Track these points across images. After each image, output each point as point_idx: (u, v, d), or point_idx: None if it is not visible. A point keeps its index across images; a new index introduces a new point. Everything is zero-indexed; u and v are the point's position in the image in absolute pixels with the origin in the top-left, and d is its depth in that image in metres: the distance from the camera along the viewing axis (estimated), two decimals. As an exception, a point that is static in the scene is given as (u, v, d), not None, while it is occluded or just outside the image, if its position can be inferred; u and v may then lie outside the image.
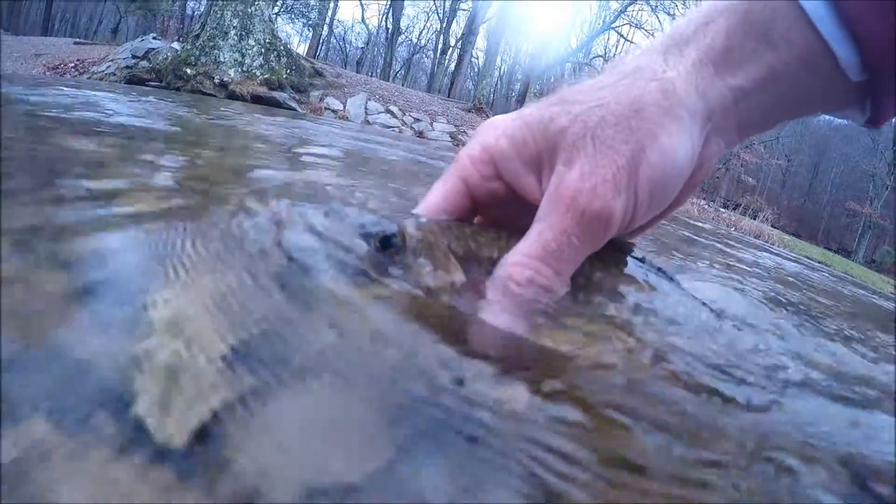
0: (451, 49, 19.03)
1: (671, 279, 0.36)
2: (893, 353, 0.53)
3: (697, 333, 0.32)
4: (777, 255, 1.82)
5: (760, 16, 0.26)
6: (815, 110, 0.29)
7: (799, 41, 0.25)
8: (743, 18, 0.26)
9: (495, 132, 0.30)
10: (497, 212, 0.33)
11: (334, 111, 5.75)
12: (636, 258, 0.35)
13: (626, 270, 0.34)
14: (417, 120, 6.39)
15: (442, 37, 19.26)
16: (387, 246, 0.31)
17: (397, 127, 5.96)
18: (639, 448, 0.20)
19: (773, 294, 0.71)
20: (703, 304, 0.37)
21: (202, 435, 0.15)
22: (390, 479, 0.15)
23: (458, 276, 0.30)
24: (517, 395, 0.22)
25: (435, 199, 0.32)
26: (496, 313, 0.28)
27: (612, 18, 12.50)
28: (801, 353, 0.40)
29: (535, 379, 0.24)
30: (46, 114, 0.79)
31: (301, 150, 1.07)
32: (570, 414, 0.21)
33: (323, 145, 1.28)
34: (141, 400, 0.15)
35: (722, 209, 9.96)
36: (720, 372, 0.29)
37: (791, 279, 1.08)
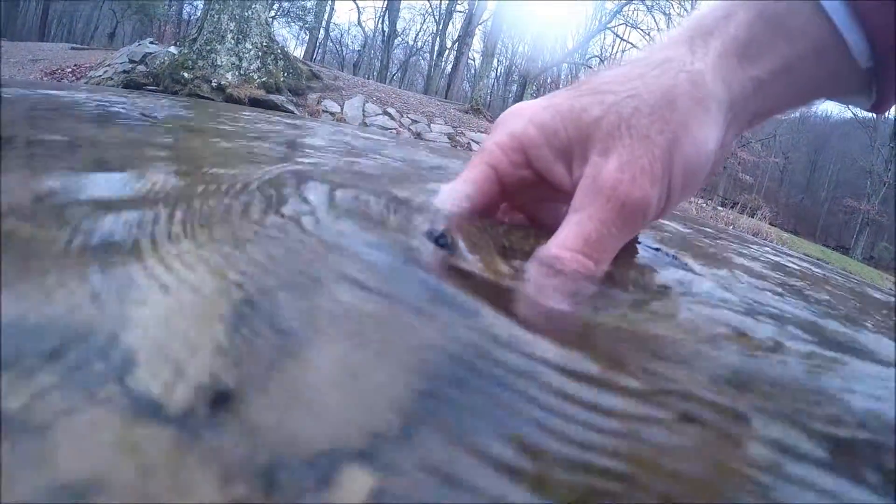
0: (447, 51, 19.12)
1: (685, 266, 0.37)
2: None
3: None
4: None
5: (774, 10, 0.28)
6: (823, 96, 0.31)
7: (814, 33, 0.27)
8: (760, 13, 0.28)
9: (523, 120, 0.30)
10: (523, 197, 0.34)
11: (332, 113, 5.76)
12: (652, 247, 0.35)
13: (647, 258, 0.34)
14: (415, 121, 6.41)
15: (438, 39, 19.34)
16: (441, 245, 0.27)
17: (395, 129, 5.97)
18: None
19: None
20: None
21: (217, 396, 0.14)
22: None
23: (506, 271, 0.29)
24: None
25: (464, 186, 0.32)
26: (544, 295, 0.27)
27: (608, 19, 12.56)
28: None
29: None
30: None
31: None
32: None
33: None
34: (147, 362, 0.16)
35: (720, 207, 9.99)
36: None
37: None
